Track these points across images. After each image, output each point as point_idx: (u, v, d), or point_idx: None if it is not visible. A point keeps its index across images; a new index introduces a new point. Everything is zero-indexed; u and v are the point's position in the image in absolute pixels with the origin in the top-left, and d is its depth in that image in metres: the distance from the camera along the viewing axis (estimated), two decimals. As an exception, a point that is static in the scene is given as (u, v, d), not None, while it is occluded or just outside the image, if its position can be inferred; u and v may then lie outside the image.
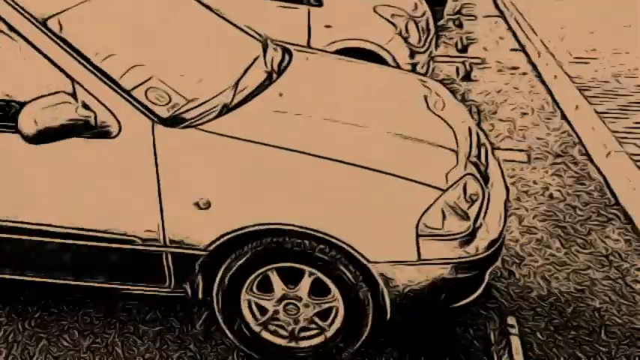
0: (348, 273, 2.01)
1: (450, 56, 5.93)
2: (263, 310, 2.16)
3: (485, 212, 2.10)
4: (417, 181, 1.95)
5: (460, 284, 2.03)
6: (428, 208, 1.93)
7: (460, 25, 7.13)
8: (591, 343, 2.32)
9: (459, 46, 6.28)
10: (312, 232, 1.96)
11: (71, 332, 2.38)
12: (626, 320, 2.43)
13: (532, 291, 2.61)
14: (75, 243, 2.08)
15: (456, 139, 2.26)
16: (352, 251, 1.95)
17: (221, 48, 2.68)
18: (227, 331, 2.20)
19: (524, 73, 5.52)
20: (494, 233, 2.07)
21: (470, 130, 2.44)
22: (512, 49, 6.23)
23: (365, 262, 1.96)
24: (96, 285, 2.22)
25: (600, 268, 2.75)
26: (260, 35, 2.93)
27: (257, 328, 2.18)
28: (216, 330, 2.36)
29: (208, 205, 1.98)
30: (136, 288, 2.20)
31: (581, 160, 3.78)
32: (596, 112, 4.30)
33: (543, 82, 5.22)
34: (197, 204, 1.98)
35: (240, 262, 2.05)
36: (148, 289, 2.19)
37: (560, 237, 2.98)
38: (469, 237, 1.99)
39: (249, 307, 2.16)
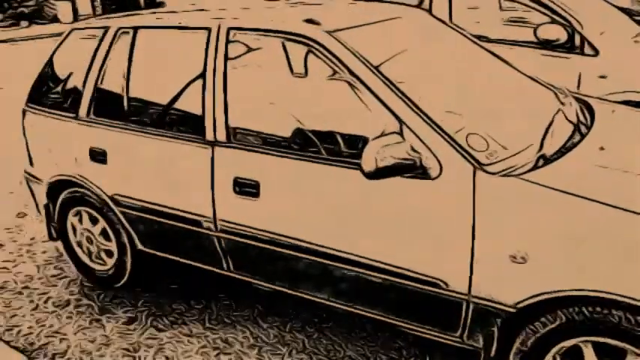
0: (689, 364, 1.70)
1: None
2: (567, 384, 1.95)
3: None
4: None
5: None
6: None
7: None
8: None
9: None
10: (647, 309, 1.71)
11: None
12: None
13: None
14: (378, 276, 2.13)
15: None
16: None
17: (520, 97, 2.60)
18: (518, 399, 2.03)
19: None
20: None
21: None
22: None
23: None
24: (383, 319, 2.25)
25: None
26: (552, 86, 2.79)
27: (555, 403, 1.97)
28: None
29: (525, 259, 1.87)
30: (424, 330, 2.17)
31: None
32: None
33: None
34: (513, 257, 1.88)
35: (551, 327, 1.88)
36: (436, 333, 2.14)
37: None
38: None
39: (550, 377, 1.97)
